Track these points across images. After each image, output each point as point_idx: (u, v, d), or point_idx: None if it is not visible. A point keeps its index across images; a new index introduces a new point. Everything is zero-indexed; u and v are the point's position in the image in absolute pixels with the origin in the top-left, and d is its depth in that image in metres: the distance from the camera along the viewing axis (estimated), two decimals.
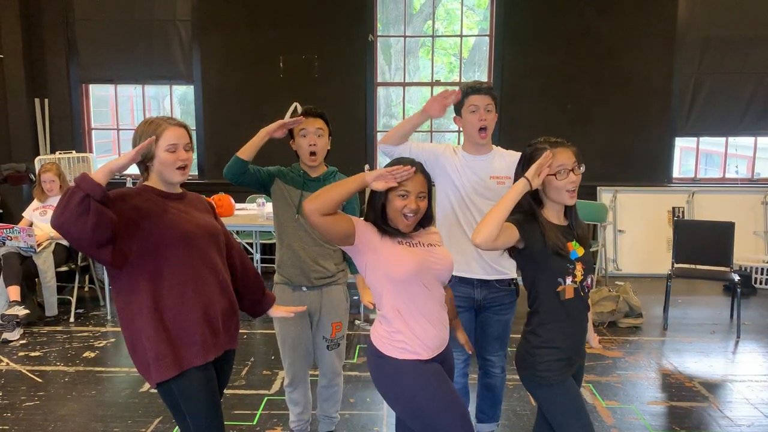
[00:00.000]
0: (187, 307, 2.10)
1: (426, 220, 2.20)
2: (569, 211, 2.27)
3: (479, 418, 3.11)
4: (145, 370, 2.11)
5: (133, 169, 2.17)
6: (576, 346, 2.24)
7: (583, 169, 2.20)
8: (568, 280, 2.17)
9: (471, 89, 2.75)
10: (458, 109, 2.80)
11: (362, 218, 2.18)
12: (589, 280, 2.25)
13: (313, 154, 2.76)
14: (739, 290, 4.91)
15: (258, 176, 2.78)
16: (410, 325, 2.10)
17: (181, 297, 2.10)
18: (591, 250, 2.32)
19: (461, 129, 2.85)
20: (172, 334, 2.08)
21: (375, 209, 2.12)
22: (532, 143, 2.26)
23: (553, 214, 2.24)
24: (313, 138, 2.75)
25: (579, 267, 2.19)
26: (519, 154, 2.34)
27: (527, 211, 2.20)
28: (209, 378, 2.15)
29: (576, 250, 2.20)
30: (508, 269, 2.81)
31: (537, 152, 2.19)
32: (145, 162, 2.16)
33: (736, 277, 4.95)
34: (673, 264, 5.21)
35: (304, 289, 2.85)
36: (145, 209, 2.09)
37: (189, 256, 2.13)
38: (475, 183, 2.78)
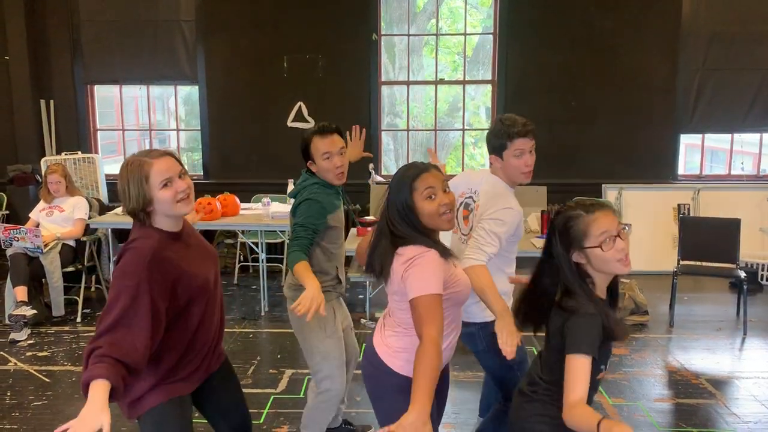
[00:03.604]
0: (187, 350, 2.05)
1: None
2: (614, 283, 1.96)
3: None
4: (124, 404, 2.02)
5: None
6: None
7: (628, 230, 1.87)
8: (608, 363, 1.95)
9: (516, 133, 2.51)
10: (499, 150, 2.57)
11: (411, 246, 1.93)
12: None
13: (342, 173, 2.70)
14: (745, 287, 4.88)
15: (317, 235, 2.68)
16: (446, 345, 2.05)
17: (186, 344, 2.04)
18: None
19: (494, 164, 2.62)
20: (163, 374, 2.01)
21: (412, 225, 1.94)
22: (561, 210, 1.92)
23: (600, 289, 1.91)
24: (338, 159, 2.66)
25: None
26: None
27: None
28: (184, 407, 2.08)
29: None
30: (473, 315, 2.55)
31: (571, 221, 1.85)
32: (145, 209, 1.94)
33: (743, 274, 4.93)
34: (678, 261, 5.20)
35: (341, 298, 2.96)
36: (176, 265, 1.94)
37: (204, 302, 2.05)
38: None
